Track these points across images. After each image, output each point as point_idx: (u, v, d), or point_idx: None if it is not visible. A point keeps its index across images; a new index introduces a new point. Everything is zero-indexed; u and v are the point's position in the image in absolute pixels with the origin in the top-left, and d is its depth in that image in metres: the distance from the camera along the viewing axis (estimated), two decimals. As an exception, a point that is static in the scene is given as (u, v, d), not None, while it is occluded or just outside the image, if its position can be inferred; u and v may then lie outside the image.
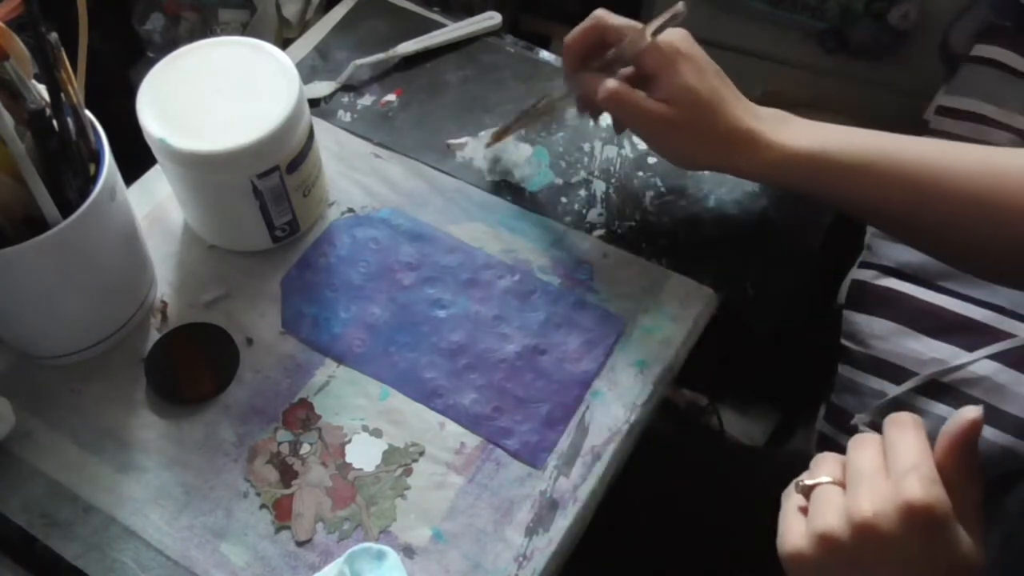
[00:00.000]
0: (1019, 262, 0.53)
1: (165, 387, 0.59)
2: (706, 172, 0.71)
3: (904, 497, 0.35)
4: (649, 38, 0.57)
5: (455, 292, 0.64)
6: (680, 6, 0.57)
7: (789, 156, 0.55)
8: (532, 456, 0.57)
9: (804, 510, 0.40)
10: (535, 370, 0.61)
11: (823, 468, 0.40)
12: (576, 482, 0.57)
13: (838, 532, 0.36)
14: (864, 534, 0.36)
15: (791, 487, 0.41)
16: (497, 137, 0.70)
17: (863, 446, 0.40)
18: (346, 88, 0.76)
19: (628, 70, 0.60)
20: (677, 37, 0.58)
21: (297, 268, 0.65)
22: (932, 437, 0.75)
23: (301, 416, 0.59)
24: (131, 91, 0.59)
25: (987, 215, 0.52)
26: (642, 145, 0.72)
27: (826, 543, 0.37)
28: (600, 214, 0.68)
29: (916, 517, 0.35)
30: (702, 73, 0.57)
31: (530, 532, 0.55)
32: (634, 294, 0.64)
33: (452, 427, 0.59)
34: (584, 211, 0.69)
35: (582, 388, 0.60)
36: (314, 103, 0.74)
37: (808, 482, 0.40)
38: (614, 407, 0.59)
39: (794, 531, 0.39)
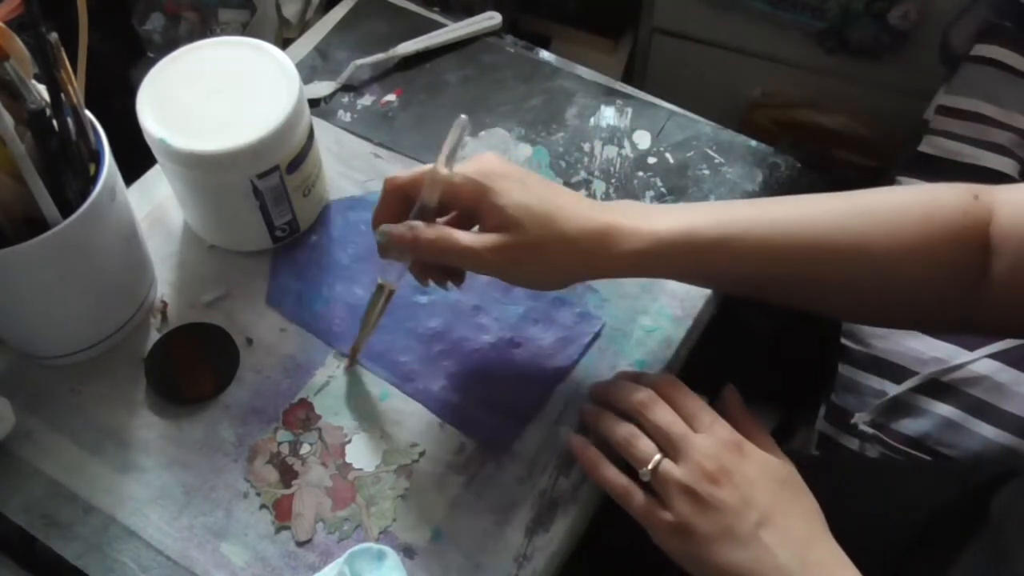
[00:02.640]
0: (905, 302, 0.52)
1: (165, 387, 0.59)
2: (705, 171, 0.71)
3: (722, 439, 0.50)
4: (445, 170, 0.51)
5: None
6: (462, 119, 0.51)
7: (658, 241, 0.50)
8: (495, 448, 0.57)
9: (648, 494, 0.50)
10: (507, 363, 0.61)
11: (643, 446, 0.51)
12: (576, 482, 0.57)
13: (700, 490, 0.48)
14: (714, 479, 0.48)
15: (628, 489, 0.51)
16: (351, 359, 0.61)
17: (657, 411, 0.52)
18: (346, 88, 0.76)
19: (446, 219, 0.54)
20: (485, 158, 0.52)
21: (286, 246, 0.66)
22: (932, 436, 0.75)
23: (301, 416, 0.59)
24: (131, 91, 0.59)
25: (866, 261, 0.50)
26: (642, 145, 0.72)
27: (694, 506, 0.48)
28: (600, 214, 0.68)
29: (734, 446, 0.50)
30: (526, 185, 0.51)
31: (530, 532, 0.55)
32: (634, 294, 0.64)
33: (452, 427, 0.58)
34: (584, 211, 0.68)
35: (551, 385, 0.60)
36: (314, 103, 0.74)
37: (650, 467, 0.50)
38: (614, 407, 0.59)
39: (662, 522, 0.49)
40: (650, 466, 0.50)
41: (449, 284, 0.57)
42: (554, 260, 0.51)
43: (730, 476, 0.49)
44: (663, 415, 0.51)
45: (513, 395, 0.59)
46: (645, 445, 0.51)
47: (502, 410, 0.59)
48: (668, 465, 0.50)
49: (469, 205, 0.51)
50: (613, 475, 0.52)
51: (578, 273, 0.53)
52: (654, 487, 0.50)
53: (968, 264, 0.50)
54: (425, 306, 0.63)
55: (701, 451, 0.49)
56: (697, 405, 0.52)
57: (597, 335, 0.62)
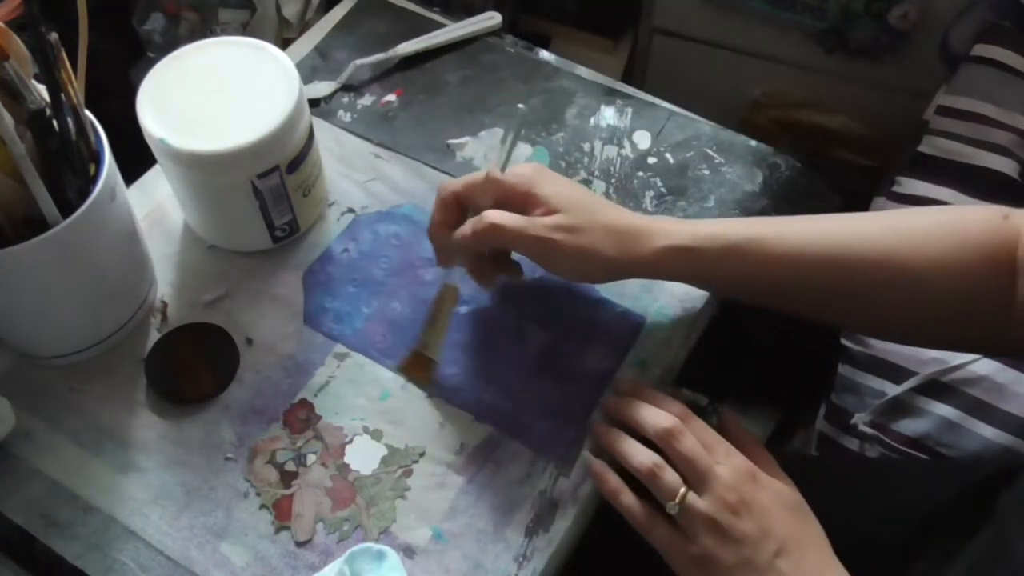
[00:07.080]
0: (929, 318, 0.53)
1: (165, 387, 0.59)
2: (705, 171, 0.71)
3: (739, 470, 0.50)
4: (499, 174, 0.56)
5: (476, 288, 0.63)
6: (517, 116, 0.56)
7: (694, 235, 0.53)
8: (548, 452, 0.57)
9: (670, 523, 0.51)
10: (554, 367, 0.61)
11: (670, 478, 0.51)
12: (576, 482, 0.57)
13: (722, 519, 0.49)
14: (735, 511, 0.49)
15: (651, 519, 0.51)
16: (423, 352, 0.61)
17: (685, 441, 0.51)
18: (346, 88, 0.76)
19: None
20: (531, 164, 0.58)
21: (319, 263, 0.66)
22: (932, 436, 0.75)
23: (301, 416, 0.59)
24: (131, 91, 0.59)
25: (894, 273, 0.51)
26: (642, 145, 0.73)
27: (716, 531, 0.49)
28: (600, 214, 0.68)
29: (750, 477, 0.50)
30: (571, 185, 0.57)
31: (530, 532, 0.55)
32: (634, 294, 0.64)
33: (452, 427, 0.59)
34: (584, 211, 0.68)
35: (600, 386, 0.60)
36: (314, 103, 0.74)
37: (677, 501, 0.50)
38: (614, 407, 0.59)
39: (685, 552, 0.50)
40: (676, 499, 0.50)
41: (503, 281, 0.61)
42: (594, 245, 0.54)
43: (749, 507, 0.49)
44: (690, 446, 0.51)
45: (563, 401, 0.59)
46: (671, 477, 0.51)
47: (554, 416, 0.59)
48: (693, 498, 0.50)
49: (519, 201, 0.55)
50: (635, 504, 0.52)
51: (615, 263, 0.55)
52: (678, 519, 0.50)
53: (996, 283, 0.50)
54: (466, 316, 0.63)
55: (723, 483, 0.50)
56: (713, 435, 0.53)
57: (639, 333, 0.62)
